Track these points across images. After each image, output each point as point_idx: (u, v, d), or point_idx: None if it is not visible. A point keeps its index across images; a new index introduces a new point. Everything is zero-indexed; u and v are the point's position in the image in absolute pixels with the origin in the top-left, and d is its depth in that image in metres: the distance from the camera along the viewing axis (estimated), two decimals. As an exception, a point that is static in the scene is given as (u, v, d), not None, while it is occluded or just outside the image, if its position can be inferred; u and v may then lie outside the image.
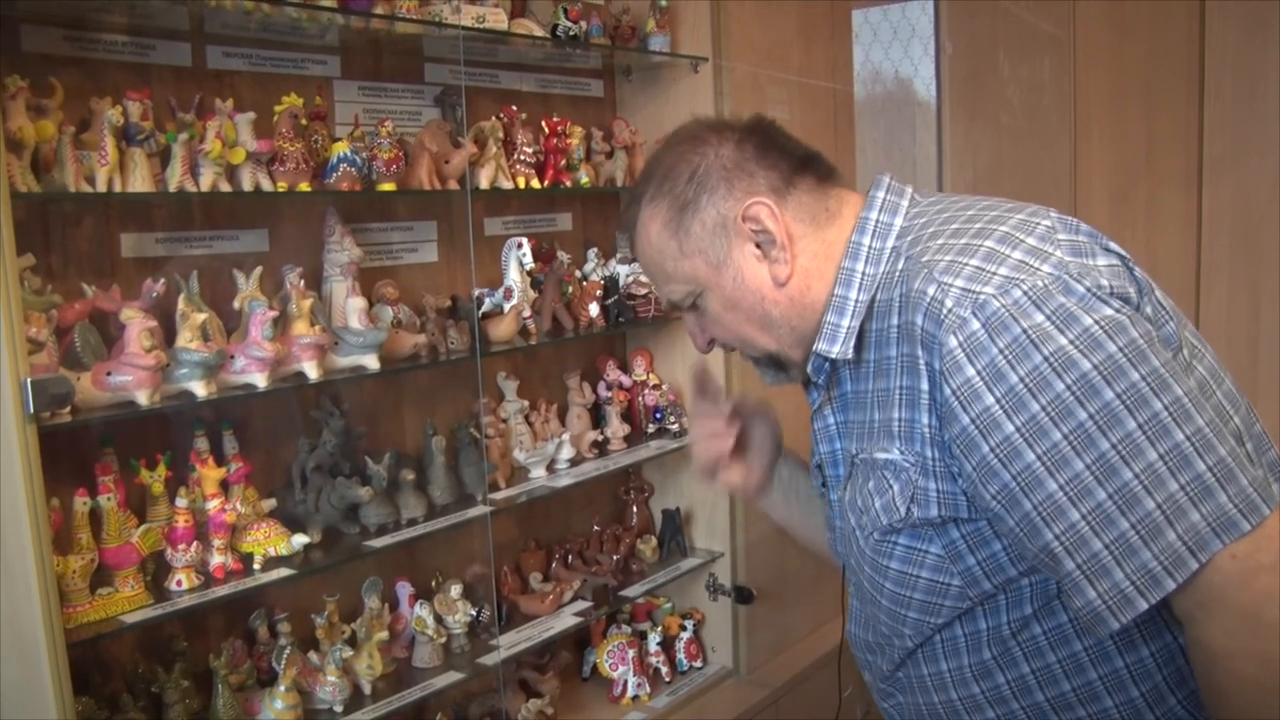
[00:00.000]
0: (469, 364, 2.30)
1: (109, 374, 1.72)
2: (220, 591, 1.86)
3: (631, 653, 2.65)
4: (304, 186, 1.99)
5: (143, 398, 1.74)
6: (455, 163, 2.24)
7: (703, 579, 2.89)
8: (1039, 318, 1.08)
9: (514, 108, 2.48)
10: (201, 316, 1.84)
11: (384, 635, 2.14)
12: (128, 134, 1.77)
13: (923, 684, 1.35)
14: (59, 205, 1.81)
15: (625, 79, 2.91)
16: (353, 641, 2.13)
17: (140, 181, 1.78)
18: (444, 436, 2.32)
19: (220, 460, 1.98)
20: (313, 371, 1.98)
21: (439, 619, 2.26)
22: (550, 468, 2.55)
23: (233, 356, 1.89)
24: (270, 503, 2.03)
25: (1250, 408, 1.24)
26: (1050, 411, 1.07)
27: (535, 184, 2.47)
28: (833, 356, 1.30)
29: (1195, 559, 1.05)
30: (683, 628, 2.81)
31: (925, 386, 1.17)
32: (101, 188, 1.74)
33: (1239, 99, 3.33)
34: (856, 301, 1.28)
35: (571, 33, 2.47)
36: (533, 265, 2.46)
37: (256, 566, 1.94)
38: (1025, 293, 1.10)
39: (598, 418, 2.80)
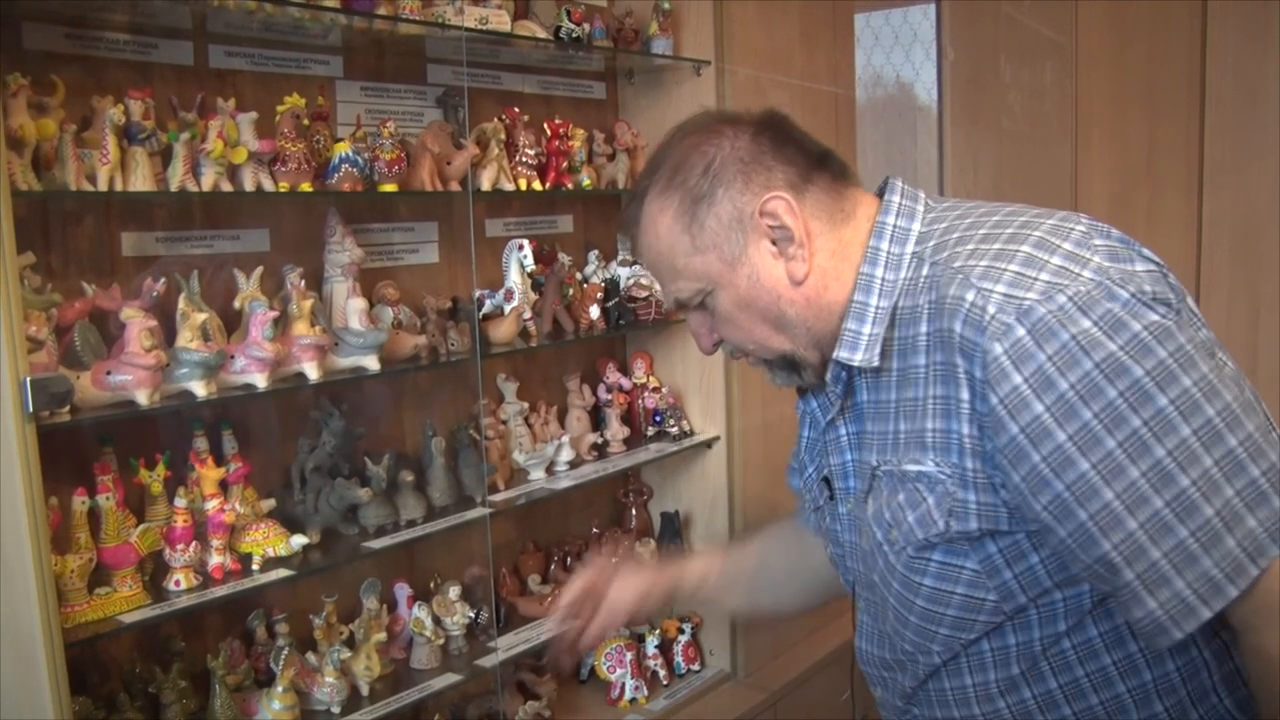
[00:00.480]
0: (469, 365, 2.30)
1: (109, 373, 1.72)
2: (218, 592, 1.86)
3: (629, 655, 2.64)
4: (305, 187, 1.98)
5: (142, 397, 1.73)
6: (457, 164, 2.24)
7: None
8: (1086, 324, 1.06)
9: (516, 109, 2.48)
10: (202, 316, 1.83)
11: (382, 636, 2.13)
12: (129, 133, 1.77)
13: (943, 698, 1.32)
14: (60, 203, 1.81)
15: (627, 81, 2.91)
16: (351, 643, 2.12)
17: (141, 180, 1.78)
18: (443, 438, 2.32)
19: (219, 460, 1.98)
20: (313, 372, 1.97)
21: (437, 620, 2.25)
22: (549, 470, 2.55)
23: (233, 356, 1.89)
24: (269, 503, 2.03)
25: (1269, 415, 1.22)
26: (1103, 419, 1.05)
27: (537, 186, 2.46)
28: (855, 364, 1.26)
29: (1255, 565, 1.04)
30: (681, 631, 2.81)
31: (965, 396, 1.13)
32: (103, 186, 1.74)
33: (1240, 104, 3.33)
34: (877, 308, 1.25)
35: (574, 35, 2.47)
36: (534, 267, 2.46)
37: (255, 567, 1.93)
38: (1070, 299, 1.07)
39: (597, 420, 2.80)
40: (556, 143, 2.52)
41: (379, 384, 2.30)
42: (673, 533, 2.85)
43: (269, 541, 1.95)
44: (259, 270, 1.98)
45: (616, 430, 2.75)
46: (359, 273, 2.15)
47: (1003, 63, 3.88)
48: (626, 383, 2.86)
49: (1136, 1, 3.49)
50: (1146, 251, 1.15)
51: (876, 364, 1.25)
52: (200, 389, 1.82)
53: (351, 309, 2.08)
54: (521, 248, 2.43)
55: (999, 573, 1.19)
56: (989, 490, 1.15)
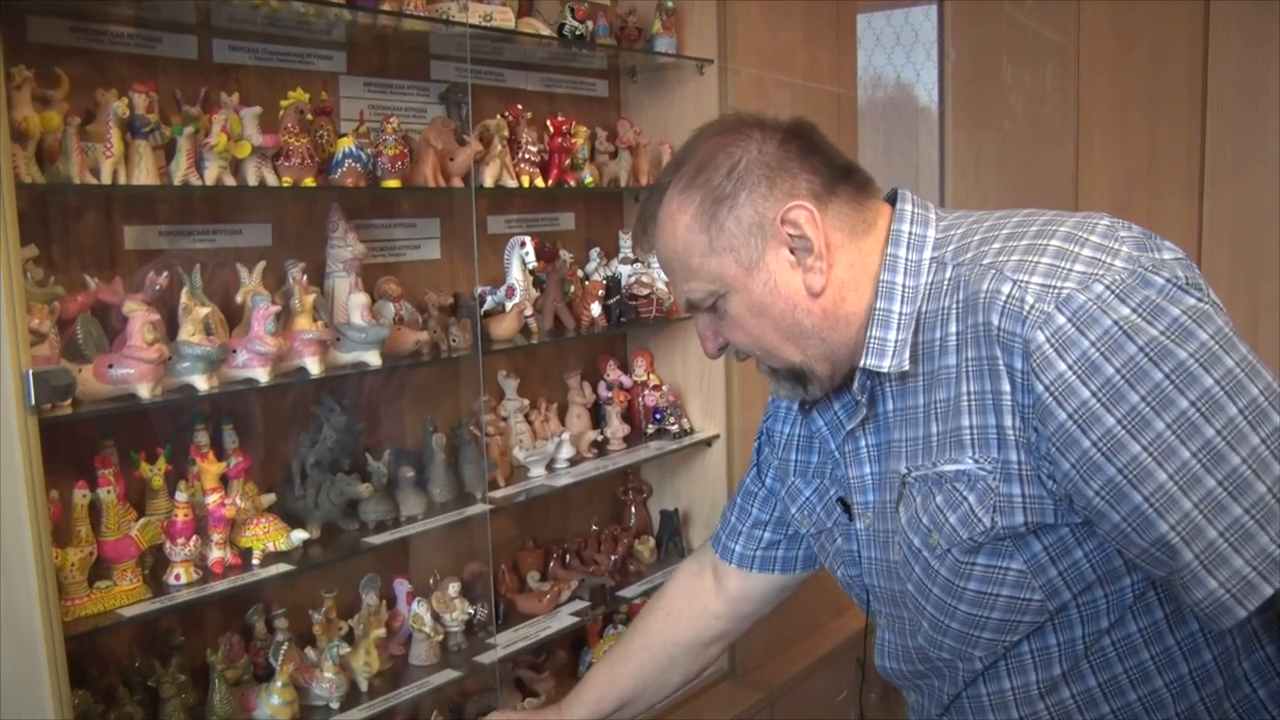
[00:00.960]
0: (470, 362, 2.30)
1: (111, 366, 1.72)
2: (218, 586, 1.85)
3: (628, 653, 2.64)
4: (309, 182, 1.98)
5: (144, 391, 1.73)
6: (460, 160, 2.24)
7: (700, 581, 2.89)
8: (1126, 310, 1.07)
9: (519, 106, 2.48)
10: (204, 310, 1.83)
11: (381, 632, 2.13)
12: (133, 126, 1.77)
13: (979, 704, 1.31)
14: (63, 197, 1.81)
15: (630, 80, 2.91)
16: (350, 638, 2.12)
17: (145, 174, 1.77)
18: (444, 434, 2.32)
19: (220, 455, 1.98)
20: (314, 367, 1.97)
21: (436, 617, 2.25)
22: (549, 467, 2.55)
23: (235, 351, 1.89)
24: (270, 498, 2.03)
25: None
26: (1151, 401, 1.06)
27: (539, 183, 2.46)
28: (884, 370, 1.25)
29: None
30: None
31: (1005, 388, 1.14)
32: (106, 180, 1.73)
33: (1241, 109, 3.33)
34: (901, 314, 1.24)
35: (578, 32, 2.47)
36: (535, 264, 2.46)
37: (255, 561, 1.93)
38: (1108, 287, 1.08)
39: (597, 418, 2.80)
40: (559, 140, 2.52)
41: (380, 379, 2.30)
42: (672, 531, 2.85)
43: (269, 536, 1.94)
44: (261, 265, 1.98)
45: (617, 428, 2.75)
46: (361, 268, 2.15)
47: (1005, 64, 3.88)
48: (627, 380, 2.86)
49: (1139, 4, 3.50)
50: (1168, 243, 1.17)
51: (906, 368, 1.24)
52: (202, 383, 1.82)
53: (354, 304, 2.07)
54: (523, 245, 2.43)
55: (1044, 571, 1.19)
56: (1035, 482, 1.16)
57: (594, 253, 2.79)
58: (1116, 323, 1.07)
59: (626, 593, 2.62)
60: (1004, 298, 1.12)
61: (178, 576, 1.84)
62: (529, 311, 2.43)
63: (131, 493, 1.87)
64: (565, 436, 2.59)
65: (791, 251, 1.26)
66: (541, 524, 2.75)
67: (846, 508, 1.41)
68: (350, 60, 2.26)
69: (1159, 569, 1.12)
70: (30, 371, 1.52)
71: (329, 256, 2.15)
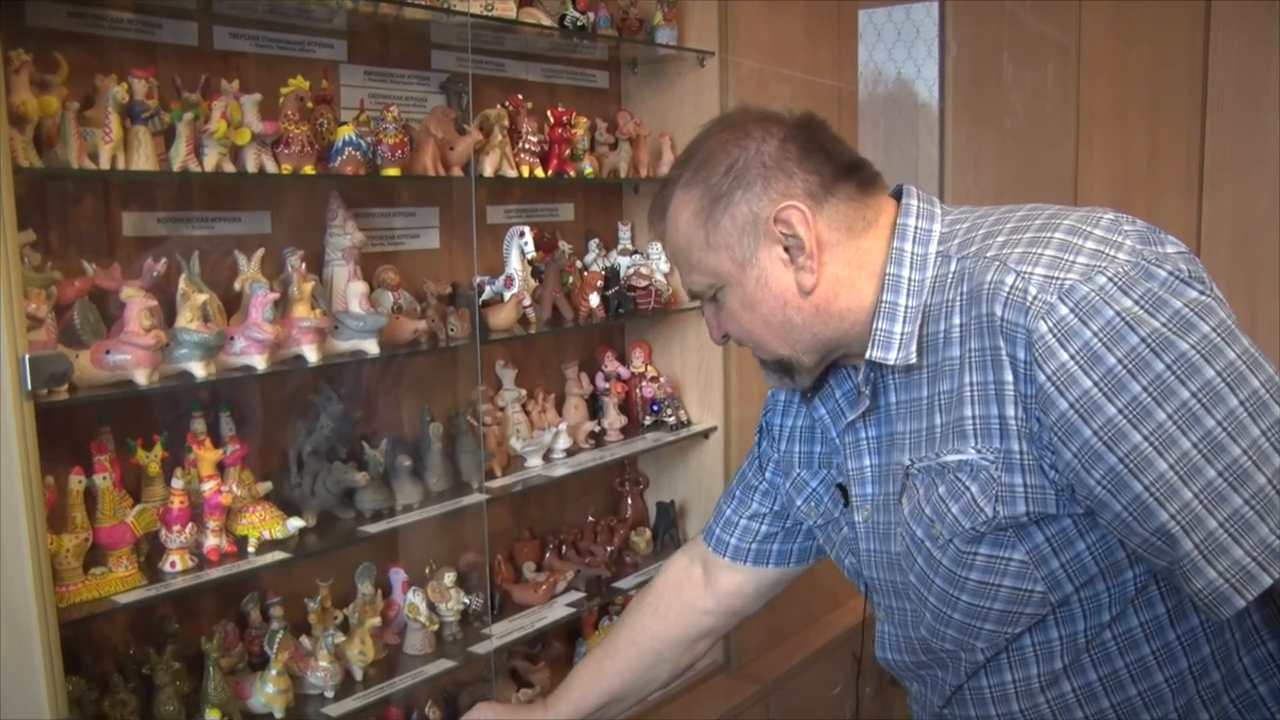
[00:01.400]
0: (468, 351, 2.30)
1: (108, 352, 1.72)
2: (213, 574, 1.85)
3: (623, 645, 2.64)
4: (308, 169, 1.98)
5: (141, 377, 1.73)
6: (460, 149, 2.23)
7: (695, 573, 2.89)
8: (1128, 302, 1.08)
9: (520, 96, 2.47)
10: (202, 297, 1.83)
11: (376, 621, 2.13)
12: (132, 112, 1.76)
13: (980, 697, 1.32)
14: (61, 182, 1.80)
15: (631, 71, 2.91)
16: (345, 627, 2.12)
17: (144, 160, 1.77)
18: (441, 423, 2.32)
19: (217, 442, 1.98)
20: (312, 355, 1.97)
21: (432, 606, 2.25)
22: (546, 457, 2.55)
23: (232, 338, 1.89)
24: (266, 486, 2.02)
25: None
26: (1153, 391, 1.06)
27: (539, 173, 2.46)
28: (890, 363, 1.26)
29: None
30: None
31: (1008, 378, 1.14)
32: (105, 165, 1.73)
33: (1241, 109, 3.32)
34: (907, 307, 1.25)
35: (579, 23, 2.47)
36: (534, 254, 2.46)
37: (251, 549, 1.93)
38: (1110, 279, 1.09)
39: (595, 409, 2.80)
40: (559, 130, 2.52)
41: (378, 368, 2.30)
42: (668, 522, 2.85)
43: (265, 524, 1.94)
44: (260, 252, 1.97)
45: (614, 419, 2.75)
46: (360, 257, 2.15)
47: (1005, 62, 3.87)
48: (625, 372, 2.86)
49: (1140, 3, 3.49)
50: (1172, 237, 1.18)
51: (913, 361, 1.25)
52: (199, 370, 1.81)
53: (352, 292, 2.07)
54: (522, 235, 2.42)
55: (1047, 562, 1.20)
56: (1037, 472, 1.16)
57: (593, 244, 2.79)
58: (1119, 314, 1.07)
59: (622, 584, 2.62)
60: (1007, 289, 1.13)
61: (173, 564, 1.84)
62: (527, 301, 2.43)
63: (127, 479, 1.87)
64: (562, 427, 2.59)
65: (786, 250, 1.28)
66: (538, 514, 2.74)
67: (845, 494, 1.42)
68: (351, 48, 2.25)
69: (1160, 559, 1.12)
70: (27, 356, 1.52)
71: (328, 245, 2.14)
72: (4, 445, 1.53)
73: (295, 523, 1.96)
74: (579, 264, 2.71)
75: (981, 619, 1.25)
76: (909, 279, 1.26)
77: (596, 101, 2.85)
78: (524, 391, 2.63)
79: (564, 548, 2.69)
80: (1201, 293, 1.10)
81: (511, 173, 2.39)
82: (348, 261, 2.12)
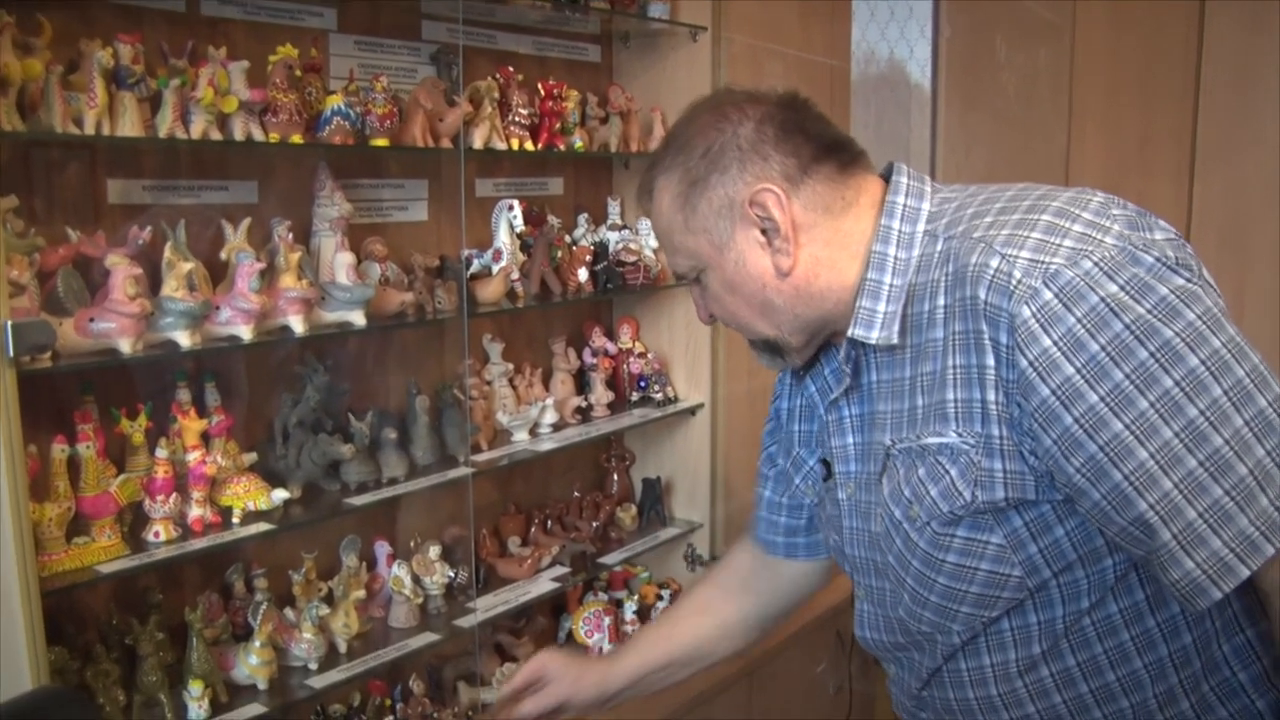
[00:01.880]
0: (455, 324, 2.29)
1: (92, 320, 1.70)
2: (198, 544, 1.85)
3: (607, 620, 2.65)
4: (296, 138, 1.96)
5: (125, 345, 1.72)
6: (449, 121, 2.21)
7: (681, 549, 2.90)
8: (1113, 287, 1.06)
9: (511, 69, 2.45)
10: (188, 266, 1.81)
11: (361, 594, 2.13)
12: (118, 77, 1.74)
13: (959, 680, 1.32)
14: (45, 147, 1.78)
15: (623, 45, 2.89)
16: (329, 599, 2.12)
17: (129, 126, 1.75)
18: (428, 396, 2.31)
19: (202, 412, 1.96)
20: (299, 325, 1.96)
21: (416, 580, 2.25)
22: (533, 432, 2.55)
23: (218, 307, 1.87)
24: (251, 456, 2.01)
25: None
26: (1136, 379, 1.05)
27: (529, 146, 2.45)
28: (872, 342, 1.26)
29: None
30: (659, 597, 2.81)
31: (990, 362, 1.13)
32: (89, 130, 1.71)
33: (1234, 93, 3.32)
34: (892, 286, 1.24)
35: (571, -5, 2.45)
36: (523, 228, 2.44)
37: (235, 520, 1.92)
38: (1096, 263, 1.07)
39: (582, 384, 2.79)
40: (550, 103, 2.50)
41: (364, 340, 2.29)
42: (654, 499, 2.85)
43: (250, 495, 1.94)
44: (247, 221, 1.96)
45: (601, 394, 2.74)
46: (347, 228, 2.13)
47: (999, 44, 3.86)
48: (612, 347, 2.86)
49: (1135, -14, 3.49)
50: (1162, 222, 1.16)
51: (895, 340, 1.25)
52: (185, 339, 1.80)
53: (339, 263, 2.06)
54: (511, 208, 2.41)
55: (1024, 546, 1.19)
56: (1016, 458, 1.15)
57: (582, 218, 2.78)
58: (1103, 299, 1.06)
59: (607, 560, 2.63)
60: (992, 272, 1.12)
61: (157, 534, 1.83)
62: (515, 275, 2.42)
63: (111, 449, 1.86)
64: (549, 402, 2.58)
65: (763, 233, 1.28)
66: (523, 489, 2.74)
67: (827, 468, 1.42)
68: (341, 18, 2.23)
69: (1138, 548, 1.12)
70: (9, 323, 1.50)
71: (315, 215, 2.13)
72: (-14, 412, 1.51)
73: (280, 494, 1.96)
74: (568, 238, 2.69)
75: (958, 602, 1.25)
76: (895, 257, 1.26)
77: (588, 75, 2.83)
78: (511, 366, 2.62)
79: (549, 523, 2.69)
80: (1188, 280, 1.08)
81: (501, 145, 2.37)
82: (335, 232, 2.10)
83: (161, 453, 1.84)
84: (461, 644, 2.38)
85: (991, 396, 1.15)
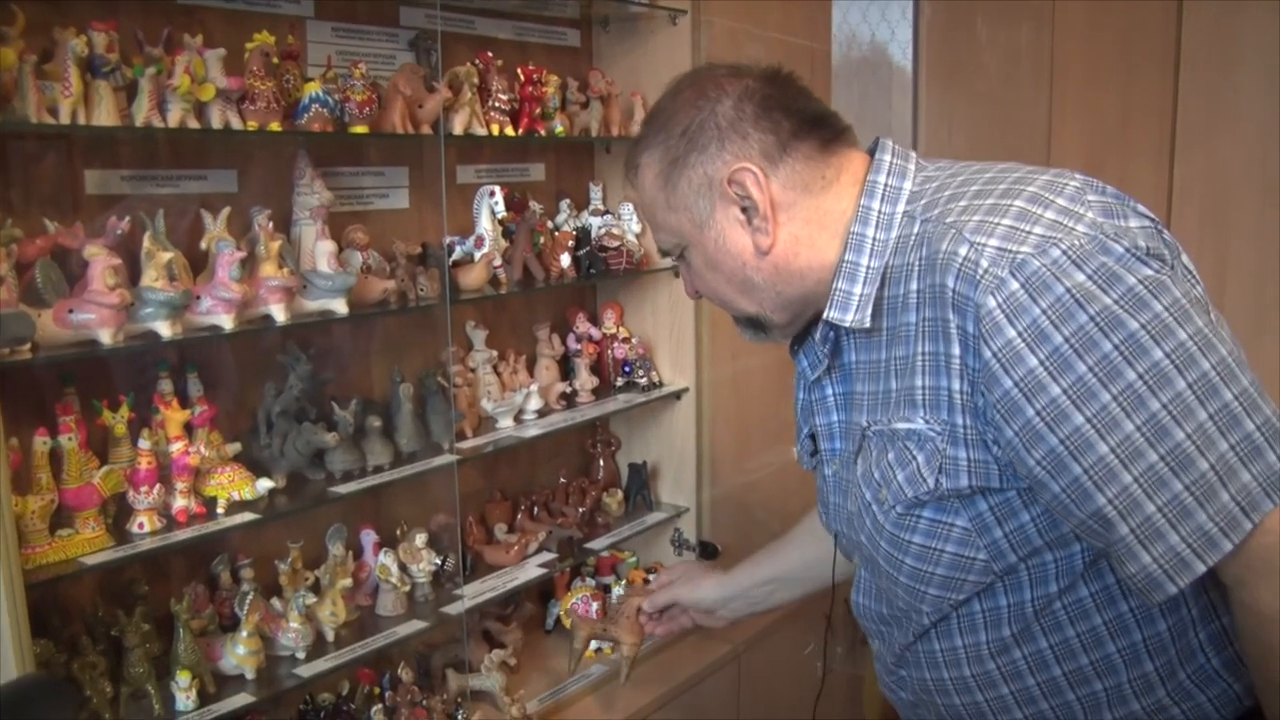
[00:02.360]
0: (438, 311, 2.28)
1: (71, 311, 1.69)
2: (183, 535, 1.84)
3: (595, 605, 2.65)
4: (274, 126, 1.95)
5: (106, 336, 1.71)
6: (429, 107, 2.20)
7: (668, 534, 2.90)
8: (1080, 277, 1.06)
9: (489, 54, 2.44)
10: (167, 255, 1.80)
11: (348, 583, 2.13)
12: (92, 66, 1.73)
13: (933, 660, 1.33)
14: (20, 138, 1.77)
15: (602, 29, 2.88)
16: (316, 588, 2.12)
17: (105, 115, 1.74)
18: (411, 384, 2.30)
19: (185, 402, 1.96)
20: (280, 314, 1.95)
21: (403, 567, 2.25)
22: (518, 418, 2.54)
23: (199, 297, 1.86)
24: (234, 446, 2.01)
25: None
26: (1098, 372, 1.05)
27: (510, 131, 2.44)
28: (846, 325, 1.26)
29: (1248, 519, 1.04)
30: (646, 581, 2.81)
31: (956, 351, 1.13)
32: (65, 120, 1.69)
33: (1214, 71, 3.33)
34: (868, 268, 1.24)
35: (549, -21, 2.44)
36: (505, 214, 2.44)
37: (220, 510, 1.92)
38: (1064, 252, 1.07)
39: (566, 370, 2.79)
40: (530, 88, 2.49)
41: (347, 328, 2.28)
42: (640, 484, 2.85)
43: (234, 485, 1.93)
44: (226, 210, 1.94)
45: (585, 380, 2.74)
46: (328, 216, 2.12)
47: (980, 23, 3.86)
48: (596, 333, 2.85)
49: (1114, -36, 3.48)
50: (1141, 207, 1.15)
51: (868, 324, 1.24)
52: (165, 329, 1.79)
53: (320, 252, 2.05)
54: (493, 194, 2.41)
55: (989, 530, 1.19)
56: (980, 447, 1.16)
57: (564, 204, 2.77)
58: (1069, 290, 1.06)
59: (594, 545, 2.63)
60: (960, 260, 1.12)
61: (141, 525, 1.83)
62: (498, 262, 2.41)
63: (94, 440, 1.85)
64: (533, 388, 2.58)
65: (743, 211, 1.28)
66: (509, 476, 2.74)
67: (814, 444, 1.43)
68: (318, 4, 2.21)
69: (1096, 540, 1.12)
70: (-13, 315, 1.49)
71: (295, 204, 2.12)
72: (-34, 405, 1.51)
73: (265, 484, 1.95)
74: (550, 224, 2.69)
75: (925, 583, 1.26)
76: (873, 239, 1.25)
77: (567, 60, 2.82)
78: (495, 352, 2.62)
79: (536, 509, 2.69)
80: (1157, 270, 1.07)
81: (481, 131, 2.36)
82: (315, 221, 2.09)
83: (144, 444, 1.83)
84: (449, 631, 2.38)
85: (957, 385, 1.15)
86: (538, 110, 2.51)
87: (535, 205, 2.63)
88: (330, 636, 2.10)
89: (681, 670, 2.65)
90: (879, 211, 1.26)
